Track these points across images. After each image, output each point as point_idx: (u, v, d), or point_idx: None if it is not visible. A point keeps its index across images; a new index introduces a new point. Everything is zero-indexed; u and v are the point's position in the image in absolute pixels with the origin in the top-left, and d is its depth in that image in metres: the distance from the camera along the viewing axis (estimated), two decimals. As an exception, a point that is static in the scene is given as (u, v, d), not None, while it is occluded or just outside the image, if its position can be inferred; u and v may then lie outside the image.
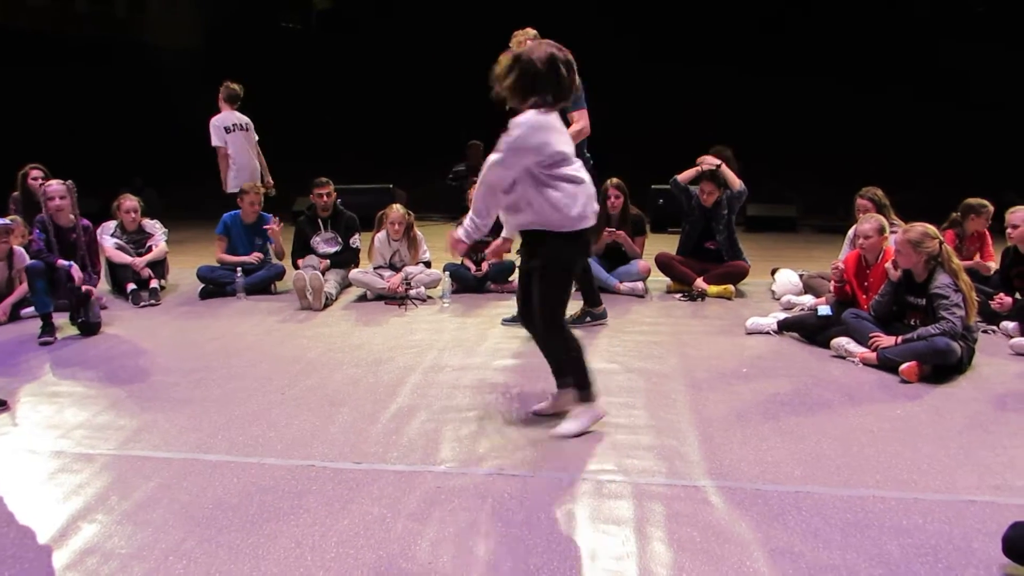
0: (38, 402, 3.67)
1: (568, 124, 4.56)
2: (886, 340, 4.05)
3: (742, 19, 13.93)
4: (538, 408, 3.40)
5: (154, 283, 5.99)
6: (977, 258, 5.61)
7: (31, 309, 5.20)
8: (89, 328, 4.94)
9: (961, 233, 5.63)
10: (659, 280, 6.32)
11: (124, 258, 6.03)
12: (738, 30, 13.90)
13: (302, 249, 6.38)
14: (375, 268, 6.08)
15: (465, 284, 6.09)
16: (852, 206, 5.48)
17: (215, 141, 6.84)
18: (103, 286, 5.89)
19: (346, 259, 6.38)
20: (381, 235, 6.12)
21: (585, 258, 3.62)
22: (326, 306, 5.69)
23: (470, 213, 3.07)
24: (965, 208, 5.61)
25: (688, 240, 6.26)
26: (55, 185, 5.16)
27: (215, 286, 6.10)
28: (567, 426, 3.11)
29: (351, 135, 14.60)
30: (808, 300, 5.42)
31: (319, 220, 6.40)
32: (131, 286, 5.91)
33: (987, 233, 5.70)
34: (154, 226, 6.38)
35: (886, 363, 3.97)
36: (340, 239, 6.40)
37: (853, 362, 4.15)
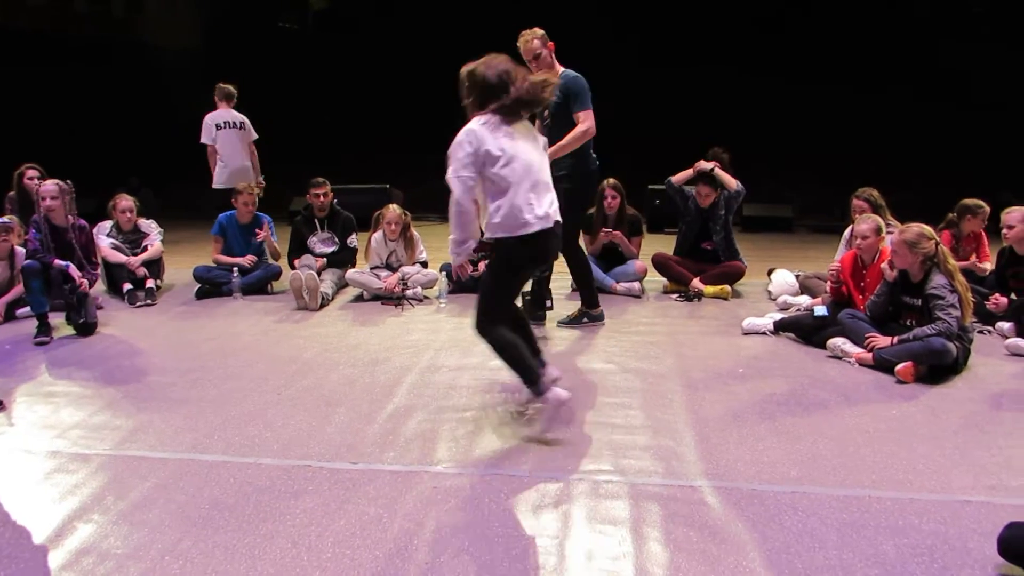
0: (34, 402, 3.66)
1: (573, 125, 4.59)
2: (882, 340, 4.06)
3: (741, 19, 13.94)
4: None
5: (150, 283, 5.98)
6: (973, 259, 5.63)
7: (27, 309, 5.18)
8: (85, 328, 4.93)
9: (957, 234, 5.65)
10: (656, 280, 6.33)
11: (120, 257, 6.02)
12: (736, 30, 13.91)
13: (298, 249, 6.37)
14: (372, 268, 6.07)
15: (461, 284, 6.09)
16: (848, 206, 5.49)
17: (203, 138, 7.07)
18: (99, 286, 5.87)
19: (343, 259, 6.37)
20: (378, 235, 6.11)
21: (538, 265, 3.50)
22: (322, 306, 5.68)
23: (450, 236, 3.15)
24: (961, 209, 5.63)
25: (685, 240, 6.27)
26: (48, 185, 5.15)
27: (211, 286, 6.09)
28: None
29: (348, 135, 14.59)
30: (804, 300, 5.43)
31: (316, 220, 6.40)
32: (127, 286, 5.91)
33: (983, 234, 5.72)
34: (150, 226, 6.37)
35: (882, 363, 3.98)
36: (337, 239, 6.39)
37: (849, 362, 4.16)
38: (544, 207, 3.11)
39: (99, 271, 5.66)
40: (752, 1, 14.02)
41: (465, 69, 3.13)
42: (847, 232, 5.53)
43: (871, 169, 8.64)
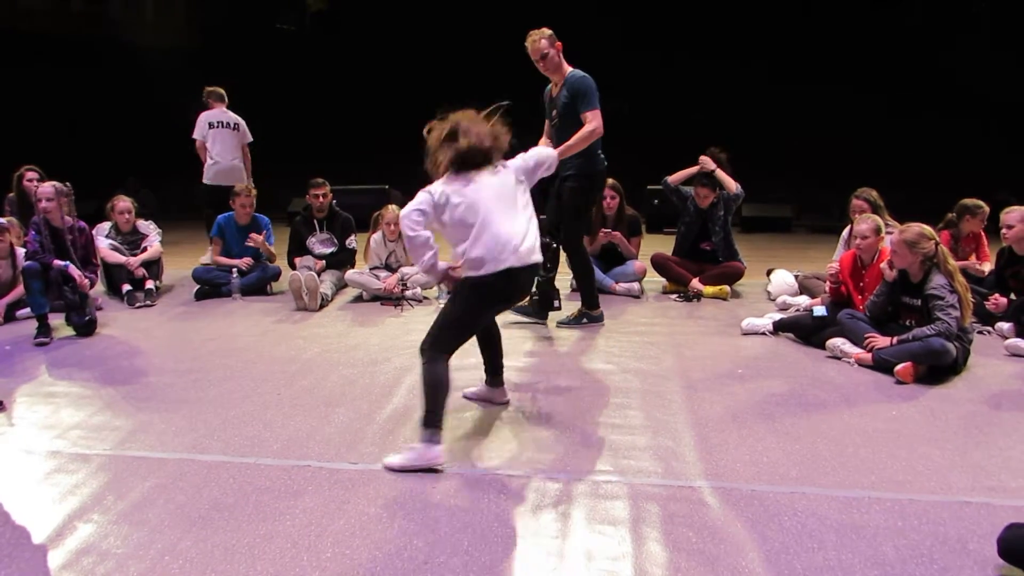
0: (34, 402, 3.66)
1: (581, 125, 4.60)
2: (881, 341, 4.06)
3: (740, 20, 13.94)
4: (468, 392, 3.60)
5: (149, 284, 5.98)
6: (973, 259, 5.63)
7: (27, 310, 5.19)
8: (85, 329, 4.93)
9: (957, 234, 5.65)
10: (655, 281, 6.33)
11: (118, 258, 6.02)
12: (736, 31, 13.91)
13: (298, 250, 6.37)
14: (371, 269, 6.07)
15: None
16: (847, 207, 5.49)
17: (195, 134, 7.35)
18: (98, 287, 5.87)
19: (342, 260, 6.37)
20: (377, 236, 6.11)
21: (506, 304, 3.35)
22: (322, 307, 5.68)
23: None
24: (961, 209, 5.63)
25: (684, 241, 6.27)
26: (44, 187, 5.15)
27: (210, 287, 6.09)
28: (392, 457, 2.89)
29: (347, 136, 14.59)
30: (804, 301, 5.43)
31: (315, 221, 6.39)
32: (126, 287, 5.90)
33: (983, 234, 5.72)
34: (148, 227, 6.37)
35: (881, 364, 3.98)
36: (336, 240, 6.39)
37: (848, 363, 4.16)
38: (518, 244, 2.98)
39: (98, 276, 5.66)
40: (751, 2, 14.02)
41: (426, 131, 3.11)
42: (845, 232, 5.53)
43: (866, 169, 8.64)
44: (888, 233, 4.57)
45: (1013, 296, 4.95)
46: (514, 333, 4.85)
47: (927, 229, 4.07)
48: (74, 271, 4.98)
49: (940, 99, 12.98)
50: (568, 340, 4.76)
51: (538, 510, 2.54)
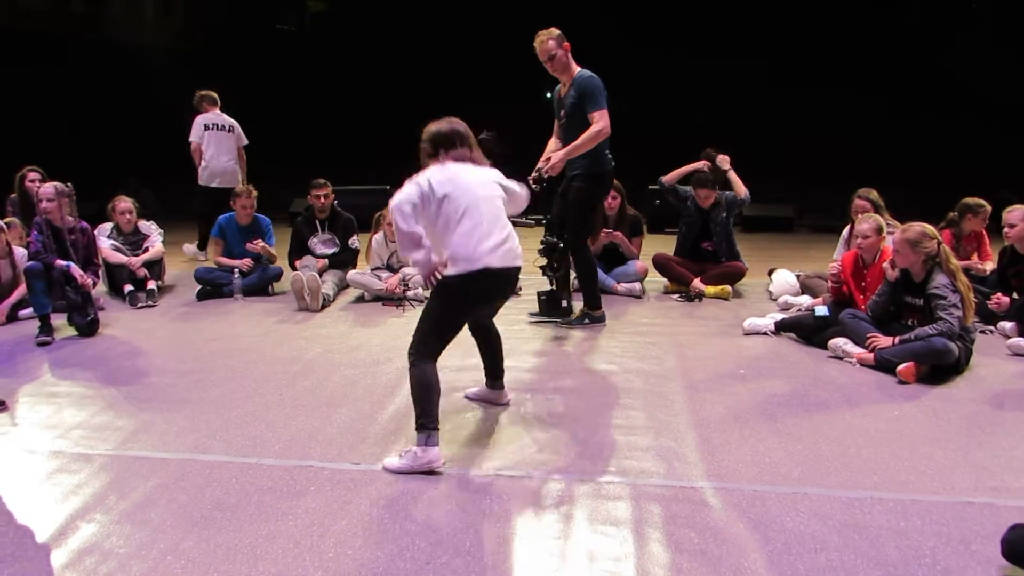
0: (36, 402, 3.66)
1: (588, 125, 4.60)
2: (884, 341, 4.05)
3: (742, 20, 13.94)
4: (469, 392, 3.61)
5: (151, 284, 5.99)
6: (975, 258, 5.62)
7: (29, 310, 5.20)
8: (87, 329, 4.93)
9: (958, 233, 5.64)
10: (656, 281, 6.33)
11: (120, 258, 6.03)
12: (737, 31, 13.90)
13: (299, 250, 6.37)
14: (372, 269, 6.08)
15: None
16: (848, 206, 5.49)
17: (191, 136, 7.62)
18: (100, 288, 5.88)
19: (344, 260, 6.37)
20: (379, 236, 6.12)
21: (488, 303, 3.23)
22: (324, 307, 5.68)
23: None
24: (962, 208, 5.62)
25: (685, 241, 6.27)
26: (45, 187, 5.16)
27: (212, 287, 6.10)
28: (391, 460, 2.88)
29: (348, 136, 14.59)
30: (805, 300, 5.43)
31: (317, 221, 6.40)
32: (128, 287, 5.91)
33: (984, 233, 5.71)
34: (150, 227, 6.37)
35: (884, 364, 3.97)
36: (338, 240, 6.39)
37: (851, 363, 4.16)
38: (498, 244, 2.97)
39: (100, 276, 5.67)
40: (752, 3, 14.01)
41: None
42: (845, 232, 5.53)
43: (870, 169, 8.63)
44: (890, 233, 4.57)
45: (1015, 295, 4.94)
46: (516, 333, 4.85)
47: (929, 228, 4.06)
48: (76, 271, 4.99)
49: (941, 98, 12.96)
50: (570, 340, 4.76)
51: (540, 511, 2.54)
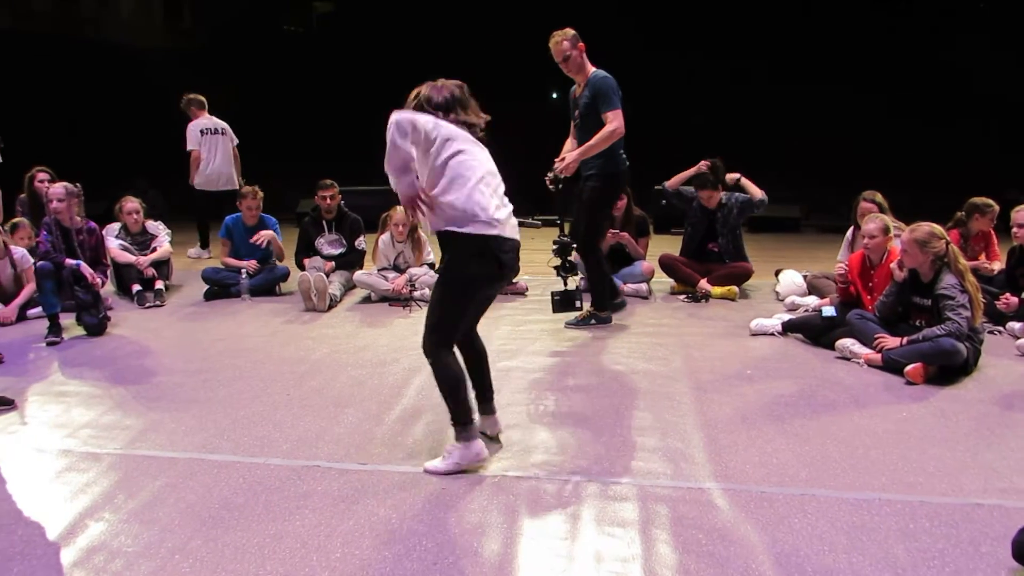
0: (45, 401, 3.68)
1: (602, 125, 4.60)
2: (891, 341, 4.04)
3: (745, 20, 13.90)
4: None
5: (159, 284, 6.01)
6: (982, 258, 5.60)
7: (38, 310, 5.23)
8: (96, 328, 4.96)
9: (966, 233, 5.61)
10: (663, 281, 6.32)
11: (128, 257, 6.06)
12: (740, 31, 13.87)
13: (306, 250, 6.39)
14: (379, 270, 6.08)
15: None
16: (852, 207, 5.46)
17: (190, 145, 7.85)
18: (108, 287, 5.91)
19: (351, 261, 6.39)
20: (385, 237, 6.12)
21: (499, 281, 2.94)
22: (330, 308, 5.70)
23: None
24: (970, 207, 5.59)
25: (691, 241, 6.26)
26: (55, 187, 5.20)
27: (220, 287, 6.12)
28: (435, 463, 2.84)
29: (355, 137, 14.60)
30: (812, 301, 5.41)
31: (323, 222, 6.41)
32: (136, 287, 5.94)
33: (992, 233, 5.68)
34: (157, 227, 6.41)
35: (891, 364, 3.96)
36: (344, 241, 6.41)
37: (858, 364, 4.14)
38: (506, 214, 2.81)
39: (108, 276, 5.70)
40: (754, 3, 13.97)
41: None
42: (848, 234, 5.52)
43: (876, 171, 8.59)
44: (896, 236, 4.55)
45: (1024, 296, 4.92)
46: (521, 333, 4.85)
47: (937, 228, 4.04)
48: (86, 270, 5.02)
49: (947, 98, 12.90)
50: (576, 341, 4.75)
51: (547, 512, 2.54)
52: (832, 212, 10.96)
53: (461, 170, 2.72)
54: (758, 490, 2.67)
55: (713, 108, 13.19)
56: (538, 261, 7.34)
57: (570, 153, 4.77)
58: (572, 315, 5.07)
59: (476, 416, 2.89)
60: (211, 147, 7.89)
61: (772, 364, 4.23)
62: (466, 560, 2.24)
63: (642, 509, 2.54)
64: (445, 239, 2.78)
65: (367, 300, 5.96)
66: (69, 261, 5.02)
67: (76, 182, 5.29)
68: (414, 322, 5.27)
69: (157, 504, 2.60)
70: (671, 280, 6.24)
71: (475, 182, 2.72)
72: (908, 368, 3.83)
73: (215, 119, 7.93)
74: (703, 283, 5.93)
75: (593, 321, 5.04)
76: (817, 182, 11.95)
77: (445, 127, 2.76)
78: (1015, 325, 4.71)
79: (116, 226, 6.25)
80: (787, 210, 11.04)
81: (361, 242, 6.46)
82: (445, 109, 2.81)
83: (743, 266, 6.07)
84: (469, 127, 2.84)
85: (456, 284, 2.81)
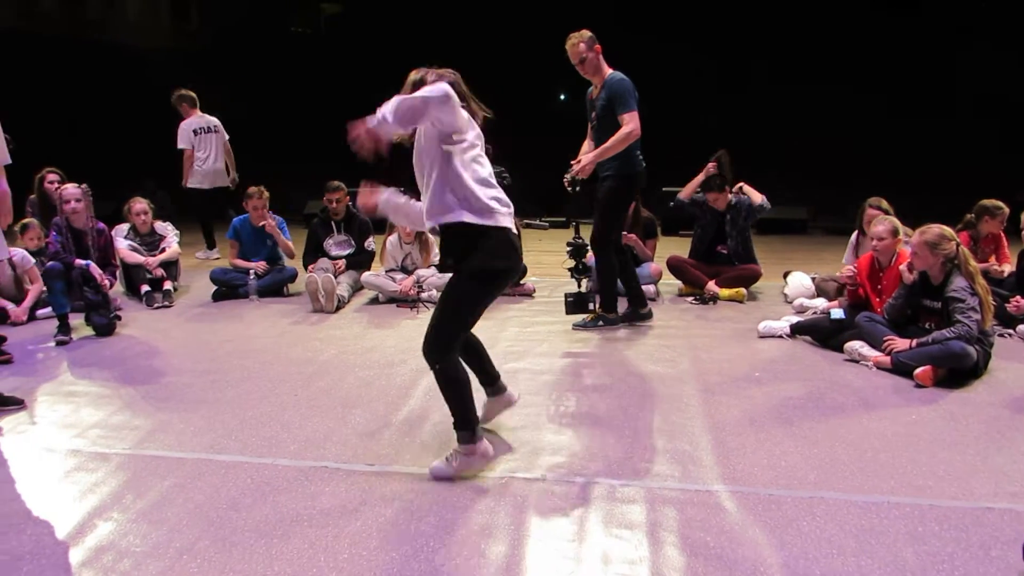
0: (54, 401, 3.70)
1: (619, 127, 4.61)
2: (900, 344, 4.02)
3: (749, 21, 13.87)
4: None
5: (167, 285, 6.04)
6: (992, 260, 5.56)
7: (46, 310, 5.26)
8: (105, 328, 4.98)
9: (976, 235, 5.59)
10: (671, 283, 6.31)
11: (137, 258, 6.09)
12: (744, 31, 13.84)
13: (314, 251, 6.41)
14: (387, 271, 6.10)
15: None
16: (858, 214, 5.44)
17: (181, 144, 7.87)
18: (117, 288, 5.94)
19: (361, 261, 6.40)
20: (393, 238, 6.14)
21: (512, 275, 2.87)
22: (338, 309, 5.71)
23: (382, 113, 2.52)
24: (979, 210, 5.56)
25: (700, 243, 6.25)
26: (71, 188, 5.22)
27: (228, 288, 6.14)
28: (439, 465, 2.80)
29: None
30: (821, 303, 5.39)
31: (332, 223, 6.43)
32: (145, 288, 5.97)
33: (1002, 235, 5.65)
34: (166, 228, 6.44)
35: (900, 367, 3.94)
36: (353, 241, 6.42)
37: (867, 366, 4.13)
38: (512, 212, 2.78)
39: (117, 276, 5.72)
40: (757, 4, 13.94)
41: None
42: (853, 238, 5.51)
43: (884, 173, 8.55)
44: (905, 242, 4.53)
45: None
46: (529, 335, 4.85)
47: (947, 230, 4.02)
48: (95, 270, 5.05)
49: (954, 100, 12.84)
50: (584, 342, 4.75)
51: (554, 513, 2.53)
52: (839, 214, 10.92)
53: (482, 162, 2.76)
54: (766, 493, 2.66)
55: (713, 109, 13.16)
56: (545, 263, 7.35)
57: (586, 155, 4.77)
58: (579, 317, 5.08)
59: (478, 421, 2.87)
60: (207, 145, 7.96)
61: (780, 366, 4.22)
62: (473, 561, 2.24)
63: (650, 511, 2.53)
64: (462, 234, 2.68)
65: (375, 301, 5.97)
66: (78, 262, 5.05)
67: (83, 183, 5.32)
68: (421, 323, 5.25)
69: (165, 504, 2.61)
70: (679, 282, 6.23)
71: (487, 174, 2.77)
72: (917, 371, 3.81)
73: (207, 116, 7.99)
74: (711, 285, 5.92)
75: (601, 323, 5.03)
76: (818, 183, 11.91)
77: (471, 122, 2.78)
78: (1025, 328, 4.68)
79: (125, 227, 6.28)
80: (794, 212, 11.01)
81: (370, 243, 6.48)
82: (460, 97, 2.74)
83: (751, 268, 6.05)
84: (474, 117, 2.84)
85: (484, 278, 2.72)
